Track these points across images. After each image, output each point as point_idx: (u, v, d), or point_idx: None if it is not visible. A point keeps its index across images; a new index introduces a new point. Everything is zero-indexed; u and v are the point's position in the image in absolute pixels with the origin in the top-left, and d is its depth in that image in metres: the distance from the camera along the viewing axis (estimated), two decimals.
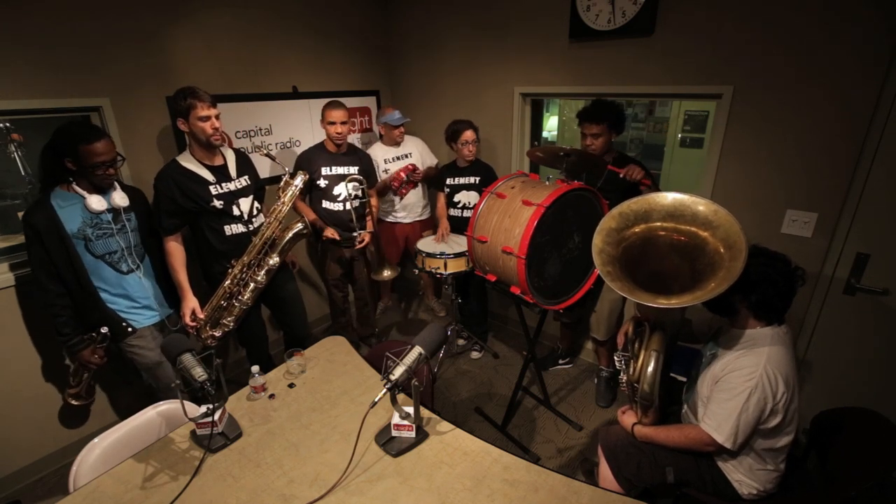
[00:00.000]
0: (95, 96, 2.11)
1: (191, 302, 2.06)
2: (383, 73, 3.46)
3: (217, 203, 2.04)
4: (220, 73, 2.52)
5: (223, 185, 2.07)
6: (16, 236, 2.14)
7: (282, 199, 2.14)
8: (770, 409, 1.33)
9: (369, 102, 3.41)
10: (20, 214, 2.16)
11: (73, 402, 2.06)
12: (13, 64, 1.89)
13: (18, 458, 2.18)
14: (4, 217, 2.14)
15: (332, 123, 2.50)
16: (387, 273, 2.67)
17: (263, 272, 2.13)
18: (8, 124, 2.08)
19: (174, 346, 1.40)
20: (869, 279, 1.91)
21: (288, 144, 2.95)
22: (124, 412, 1.63)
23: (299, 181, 2.19)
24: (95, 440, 1.45)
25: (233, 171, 2.12)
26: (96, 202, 1.76)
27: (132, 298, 1.93)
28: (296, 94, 2.91)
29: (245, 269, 2.11)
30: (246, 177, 2.17)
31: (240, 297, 2.13)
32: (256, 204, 2.21)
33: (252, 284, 2.13)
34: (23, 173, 2.17)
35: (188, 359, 1.37)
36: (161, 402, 1.63)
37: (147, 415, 1.58)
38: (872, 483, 1.27)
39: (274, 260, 2.15)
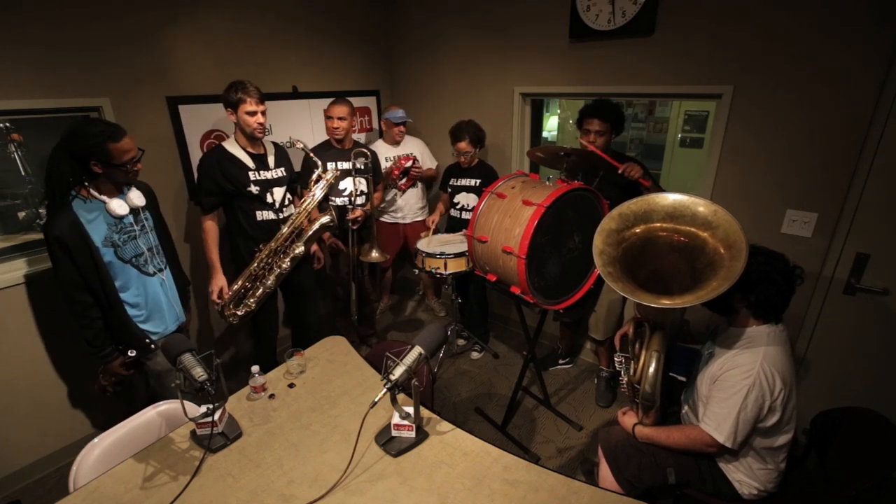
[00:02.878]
0: (95, 96, 2.12)
1: (220, 280, 2.20)
2: (383, 73, 3.46)
3: (253, 188, 2.15)
4: (220, 73, 2.52)
5: (261, 172, 2.19)
6: (15, 236, 2.13)
7: (312, 192, 2.28)
8: (768, 406, 1.33)
9: (369, 102, 3.41)
10: (21, 215, 2.17)
11: (108, 390, 1.92)
12: (13, 64, 1.89)
13: (18, 458, 2.18)
14: (4, 217, 2.14)
15: (330, 118, 2.59)
16: (374, 254, 2.69)
17: (288, 259, 2.25)
18: (8, 124, 2.08)
19: (174, 346, 1.39)
20: (869, 279, 1.90)
21: (288, 144, 2.94)
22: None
23: (331, 175, 2.33)
24: (95, 440, 1.44)
25: (271, 161, 2.25)
26: (118, 206, 1.68)
27: (160, 303, 1.85)
28: (296, 94, 2.91)
29: (272, 255, 2.22)
30: (283, 168, 2.29)
31: (264, 281, 2.24)
32: (289, 195, 2.33)
33: (277, 270, 2.23)
34: (23, 173, 2.17)
35: (188, 359, 1.37)
36: (161, 402, 1.63)
37: (147, 415, 1.58)
38: (872, 483, 1.27)
39: (299, 248, 2.26)
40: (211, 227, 2.19)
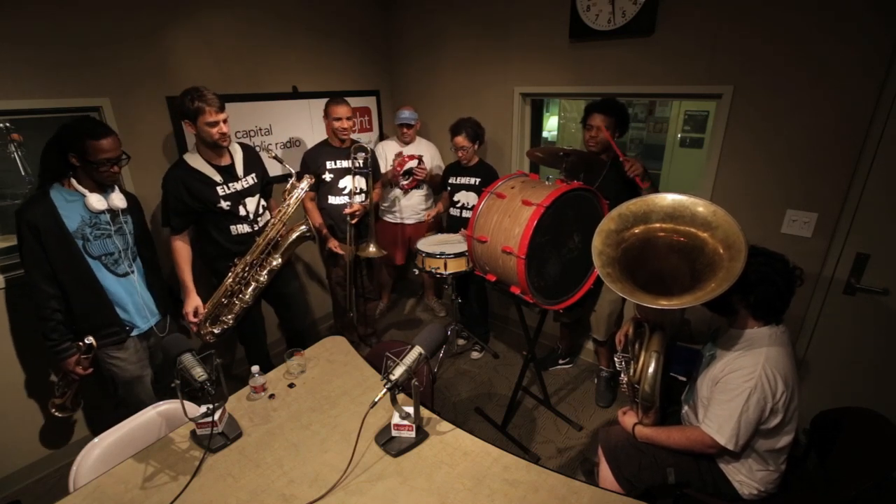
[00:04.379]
0: (95, 96, 2.12)
1: (194, 300, 2.08)
2: (383, 73, 3.46)
3: (224, 204, 2.05)
4: (221, 73, 2.52)
5: (230, 185, 2.07)
6: (14, 236, 2.13)
7: (287, 202, 2.15)
8: (770, 408, 1.33)
9: (369, 102, 3.41)
10: None
11: (57, 414, 1.97)
12: (13, 64, 1.89)
13: (18, 458, 2.18)
14: (4, 217, 2.14)
15: (339, 119, 2.55)
16: (372, 249, 2.69)
17: (265, 272, 2.15)
18: (8, 124, 2.08)
19: (174, 346, 1.39)
20: (869, 279, 1.90)
21: (288, 144, 2.95)
22: (101, 428, 1.55)
23: (305, 184, 2.20)
24: (95, 440, 1.45)
25: (240, 170, 2.12)
26: (97, 201, 1.70)
27: (126, 304, 1.85)
28: (296, 94, 2.91)
29: (248, 269, 2.13)
30: (253, 174, 2.17)
31: (241, 296, 2.15)
32: (262, 202, 2.22)
33: (254, 284, 2.14)
34: (23, 173, 2.17)
35: (188, 359, 1.37)
36: (161, 402, 1.63)
37: (147, 415, 1.58)
38: (872, 483, 1.27)
39: (277, 261, 2.16)
40: (181, 247, 2.07)
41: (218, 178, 2.04)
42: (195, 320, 2.09)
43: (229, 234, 2.11)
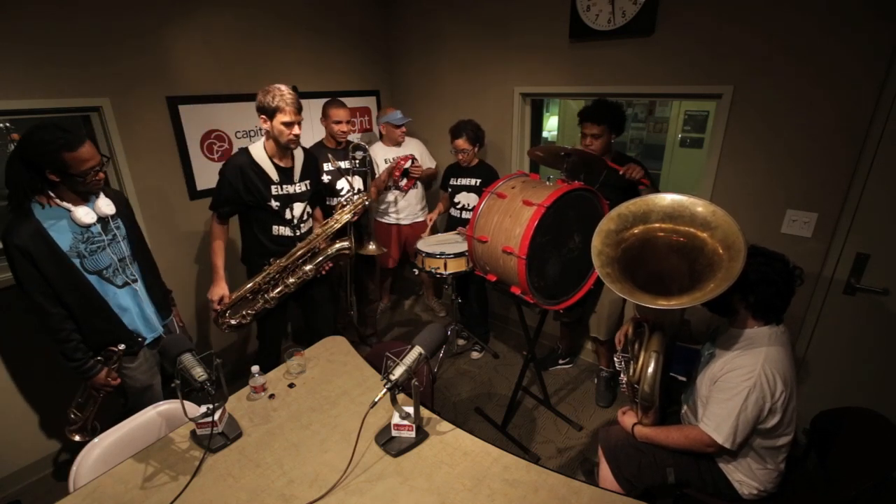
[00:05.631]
0: (95, 96, 2.12)
1: (221, 288, 2.10)
2: (383, 73, 3.46)
3: (274, 203, 2.07)
4: (221, 73, 2.52)
5: (284, 186, 2.09)
6: None
7: (336, 216, 2.19)
8: (768, 408, 1.33)
9: (369, 102, 3.41)
10: None
11: (77, 438, 1.84)
12: (13, 64, 1.89)
13: (18, 458, 2.18)
14: (4, 218, 2.14)
15: (339, 122, 2.56)
16: (372, 247, 2.68)
17: (295, 278, 2.16)
18: (8, 124, 2.08)
19: (174, 346, 1.40)
20: (869, 279, 1.91)
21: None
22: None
23: (359, 199, 2.25)
24: (95, 440, 1.45)
25: (297, 174, 2.13)
26: (85, 214, 1.56)
27: (132, 315, 1.76)
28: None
29: (280, 272, 2.14)
30: (308, 181, 2.18)
31: (265, 296, 2.15)
32: (308, 210, 2.23)
33: (281, 286, 2.15)
34: None
35: (188, 359, 1.37)
36: (161, 402, 1.63)
37: (147, 415, 1.58)
38: (872, 483, 1.28)
39: (309, 268, 2.17)
40: (220, 234, 2.10)
41: (276, 176, 2.05)
42: (218, 308, 2.11)
43: (270, 233, 2.12)
